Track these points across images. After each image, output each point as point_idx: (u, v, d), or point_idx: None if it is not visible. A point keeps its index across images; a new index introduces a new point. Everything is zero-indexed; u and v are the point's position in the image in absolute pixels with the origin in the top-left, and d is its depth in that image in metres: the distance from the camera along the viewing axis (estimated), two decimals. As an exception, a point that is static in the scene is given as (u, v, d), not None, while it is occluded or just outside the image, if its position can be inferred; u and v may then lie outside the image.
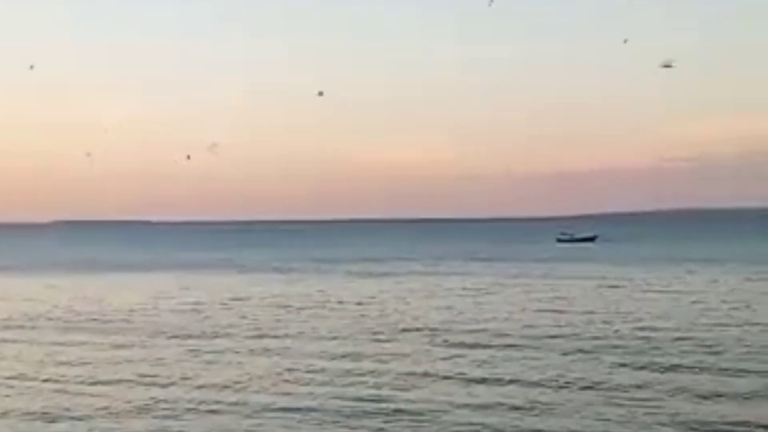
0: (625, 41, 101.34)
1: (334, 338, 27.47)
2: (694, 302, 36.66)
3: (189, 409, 18.07)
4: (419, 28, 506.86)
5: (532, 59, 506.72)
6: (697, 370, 21.18)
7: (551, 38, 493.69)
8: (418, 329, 29.33)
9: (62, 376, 21.89)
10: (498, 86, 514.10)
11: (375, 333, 28.59)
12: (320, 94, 61.89)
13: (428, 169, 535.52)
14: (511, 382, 20.18)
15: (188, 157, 60.61)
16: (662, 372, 20.93)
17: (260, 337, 28.31)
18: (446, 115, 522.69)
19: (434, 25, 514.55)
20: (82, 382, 21.08)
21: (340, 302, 39.00)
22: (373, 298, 40.99)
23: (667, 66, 41.79)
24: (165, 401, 18.76)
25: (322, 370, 21.82)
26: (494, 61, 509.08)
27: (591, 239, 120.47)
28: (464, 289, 45.62)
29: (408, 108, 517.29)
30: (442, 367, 22.14)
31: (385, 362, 22.97)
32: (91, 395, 19.50)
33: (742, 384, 19.38)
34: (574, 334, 27.27)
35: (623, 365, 21.88)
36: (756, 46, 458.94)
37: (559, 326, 29.33)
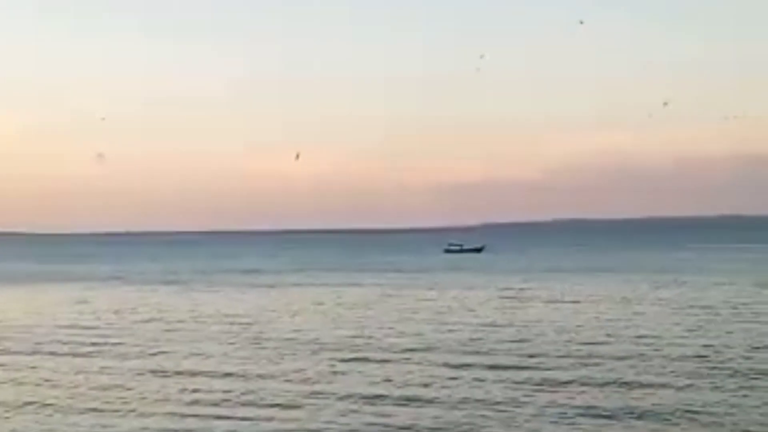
0: (581, 22, 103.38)
1: (223, 355, 26.88)
2: (575, 312, 37.43)
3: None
4: (311, 40, 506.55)
5: (426, 75, 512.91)
6: (580, 383, 21.20)
7: (441, 54, 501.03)
8: (301, 343, 29.04)
9: None
10: (392, 101, 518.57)
11: (256, 348, 28.12)
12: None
13: (321, 181, 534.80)
14: (389, 397, 20.00)
15: (297, 156, 60.38)
16: (543, 384, 21.01)
17: (142, 356, 27.33)
18: (338, 127, 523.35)
19: (327, 39, 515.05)
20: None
21: (226, 315, 38.29)
22: (259, 311, 40.39)
23: None
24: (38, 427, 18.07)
25: (205, 390, 21.17)
26: (390, 77, 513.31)
27: (478, 250, 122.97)
28: (351, 301, 45.46)
29: (300, 120, 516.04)
30: (322, 384, 21.84)
31: (265, 379, 22.50)
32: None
33: (621, 399, 19.58)
34: (458, 348, 27.34)
35: (504, 380, 21.86)
36: (645, 66, 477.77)
37: (442, 338, 29.45)
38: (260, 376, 22.95)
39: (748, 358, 24.37)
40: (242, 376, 23.11)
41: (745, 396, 19.48)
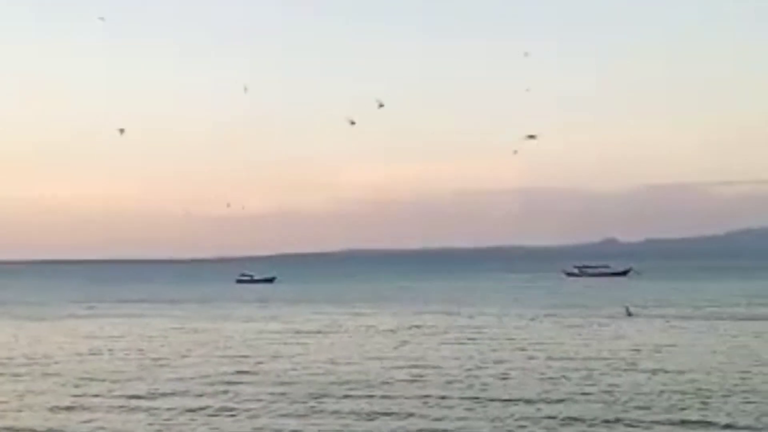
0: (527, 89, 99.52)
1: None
2: (355, 343, 38.03)
3: None
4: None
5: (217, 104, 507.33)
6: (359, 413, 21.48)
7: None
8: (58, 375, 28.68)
9: None
10: (184, 132, 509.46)
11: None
12: None
13: (111, 209, 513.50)
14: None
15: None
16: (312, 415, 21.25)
17: None
18: (131, 156, 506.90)
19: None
20: None
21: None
22: (22, 343, 38.34)
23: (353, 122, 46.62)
24: None
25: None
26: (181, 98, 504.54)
27: (270, 280, 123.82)
28: (133, 333, 44.12)
29: (92, 147, 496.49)
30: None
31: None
32: None
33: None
34: (236, 380, 27.05)
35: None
36: (431, 95, 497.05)
37: (210, 373, 28.76)
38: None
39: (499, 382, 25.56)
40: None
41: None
